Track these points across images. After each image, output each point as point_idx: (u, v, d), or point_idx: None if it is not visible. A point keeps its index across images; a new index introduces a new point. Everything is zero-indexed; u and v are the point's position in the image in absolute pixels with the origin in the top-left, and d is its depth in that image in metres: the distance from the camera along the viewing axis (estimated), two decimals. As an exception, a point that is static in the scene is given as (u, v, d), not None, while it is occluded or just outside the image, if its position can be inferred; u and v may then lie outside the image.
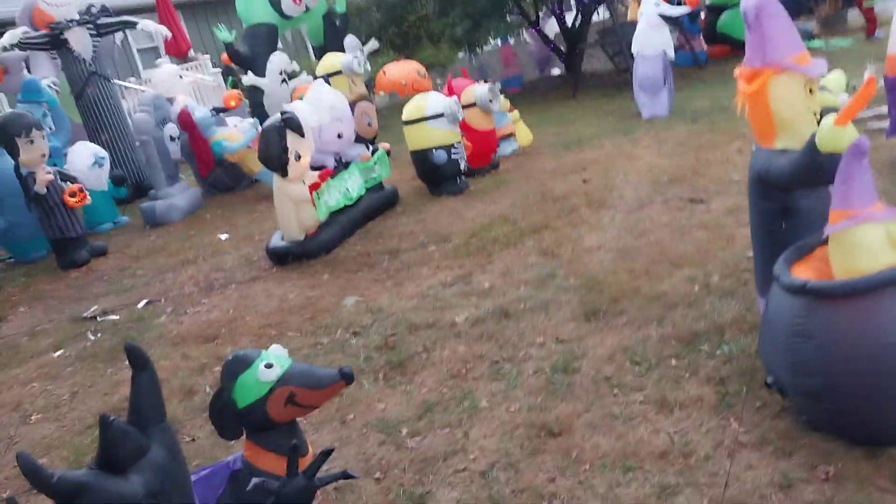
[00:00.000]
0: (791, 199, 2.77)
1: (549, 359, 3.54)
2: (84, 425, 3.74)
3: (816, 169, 2.49)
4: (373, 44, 7.86)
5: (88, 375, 4.36)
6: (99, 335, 4.97)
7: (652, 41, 8.23)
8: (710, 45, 11.85)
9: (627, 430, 2.90)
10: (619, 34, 10.93)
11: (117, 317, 5.25)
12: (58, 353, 4.80)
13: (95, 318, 5.31)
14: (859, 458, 2.46)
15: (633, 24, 8.96)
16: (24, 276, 6.79)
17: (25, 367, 4.66)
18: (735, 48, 11.36)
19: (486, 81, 7.47)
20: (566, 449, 2.85)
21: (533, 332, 3.84)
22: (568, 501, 2.58)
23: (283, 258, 5.69)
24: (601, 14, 13.29)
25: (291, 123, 5.42)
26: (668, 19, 8.39)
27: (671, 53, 8.46)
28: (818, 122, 2.73)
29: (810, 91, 2.75)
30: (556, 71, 14.60)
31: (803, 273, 2.58)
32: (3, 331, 5.41)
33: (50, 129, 7.96)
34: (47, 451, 3.57)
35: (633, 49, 8.51)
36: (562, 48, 13.39)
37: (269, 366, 2.40)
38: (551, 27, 14.06)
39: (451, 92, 7.20)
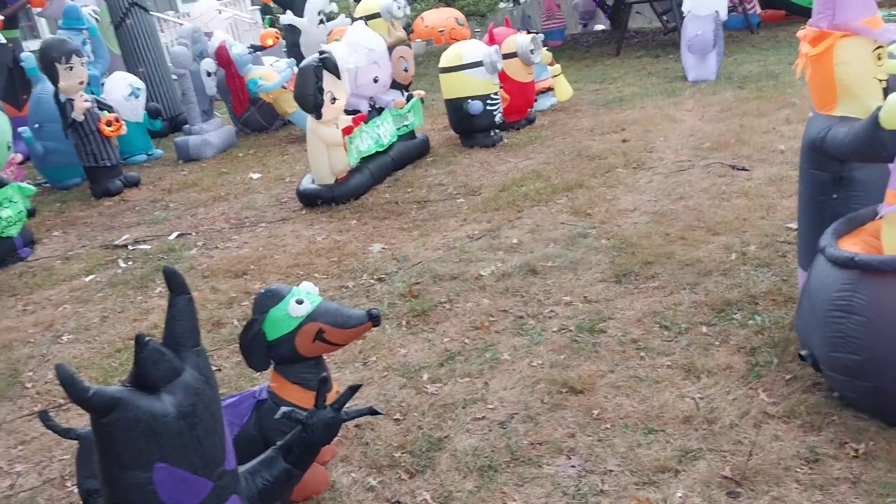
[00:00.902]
0: (846, 169, 2.67)
1: (576, 318, 3.51)
2: (113, 348, 3.81)
3: (877, 145, 2.39)
4: (414, -12, 7.71)
5: (118, 301, 4.42)
6: (130, 263, 5.03)
7: (704, 1, 7.97)
8: (764, 9, 11.46)
9: (652, 393, 2.87)
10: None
11: (148, 247, 5.31)
12: (89, 277, 4.87)
13: (127, 246, 5.37)
14: (892, 439, 2.41)
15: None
16: (59, 201, 6.87)
17: (58, 290, 4.74)
18: (791, 13, 11.00)
19: (528, 32, 7.30)
20: (587, 407, 2.84)
21: (560, 290, 3.81)
22: (587, 457, 2.57)
23: (312, 201, 5.68)
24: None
25: (329, 64, 5.35)
26: (723, -21, 8.11)
27: (724, 14, 8.19)
28: (884, 93, 2.63)
29: (878, 57, 2.63)
30: (600, 26, 14.27)
31: (851, 247, 2.51)
32: (38, 253, 5.49)
33: (89, 56, 7.97)
34: (78, 370, 3.61)
35: (684, 8, 8.25)
36: (608, 2, 13.04)
37: (300, 301, 2.42)
38: (599, -21, 13.72)
39: (491, 40, 7.05)
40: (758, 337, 3.11)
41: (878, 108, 2.37)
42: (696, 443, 2.56)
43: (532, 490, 2.47)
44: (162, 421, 1.55)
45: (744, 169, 5.13)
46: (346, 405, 2.12)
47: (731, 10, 10.07)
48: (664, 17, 11.58)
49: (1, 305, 4.61)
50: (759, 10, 11.38)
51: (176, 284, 1.68)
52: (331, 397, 2.24)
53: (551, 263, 4.12)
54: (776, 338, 3.06)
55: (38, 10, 9.10)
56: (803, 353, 2.67)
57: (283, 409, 2.01)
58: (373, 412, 2.06)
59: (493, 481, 2.52)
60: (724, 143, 5.75)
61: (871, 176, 2.60)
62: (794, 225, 3.48)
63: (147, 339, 1.59)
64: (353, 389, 2.07)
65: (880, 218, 2.42)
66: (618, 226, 4.52)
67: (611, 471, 2.50)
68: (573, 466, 2.55)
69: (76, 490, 2.58)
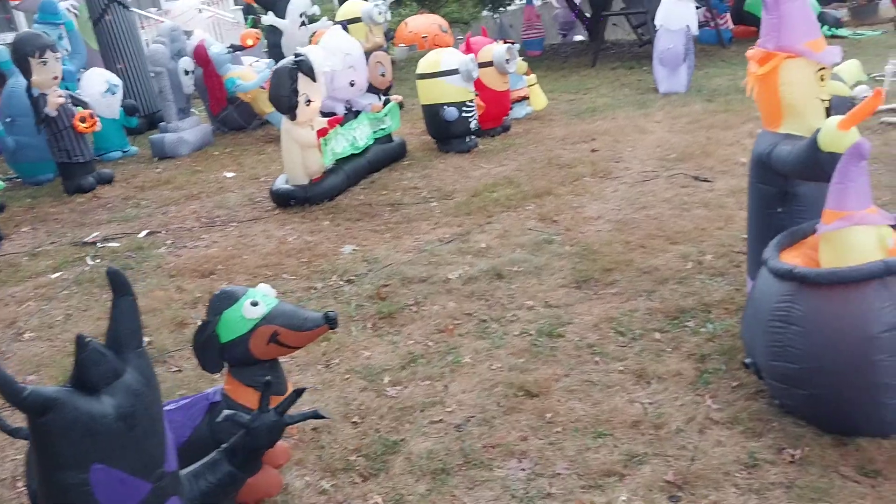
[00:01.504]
0: (790, 185, 2.76)
1: (536, 322, 3.57)
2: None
3: (816, 165, 2.48)
4: (396, -6, 7.77)
5: (84, 299, 4.42)
6: (98, 261, 5.03)
7: (676, 15, 8.09)
8: (736, 25, 11.63)
9: (604, 397, 2.94)
10: (646, 4, 10.73)
11: (118, 244, 5.30)
12: (56, 275, 4.86)
13: (96, 244, 5.37)
14: (827, 445, 2.49)
15: (661, -4, 8.78)
16: (30, 197, 6.84)
17: (23, 286, 4.72)
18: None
19: (505, 42, 7.38)
20: (541, 410, 2.90)
21: (523, 294, 3.87)
22: (537, 460, 2.63)
23: (286, 201, 5.70)
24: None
25: (304, 66, 5.39)
26: (695, -6, 8.24)
27: (695, 29, 8.32)
28: (827, 112, 2.71)
29: (822, 79, 2.72)
30: (579, 37, 14.38)
31: (793, 259, 2.59)
32: (5, 249, 5.47)
33: (66, 51, 7.93)
34: (37, 368, 3.65)
35: (657, 21, 8.37)
36: (587, 14, 13.16)
37: (254, 303, 2.44)
38: (578, -9, 13.82)
39: (468, 49, 7.12)
40: (709, 344, 3.19)
41: (818, 131, 2.45)
42: (642, 447, 2.62)
43: (482, 493, 2.51)
44: (100, 422, 1.56)
45: (706, 180, 5.23)
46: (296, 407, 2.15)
47: (703, 24, 10.21)
48: (639, 30, 11.71)
49: (-36, 301, 4.60)
50: (731, 25, 11.55)
51: (119, 285, 1.70)
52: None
53: (517, 268, 4.18)
54: (726, 345, 3.14)
55: (15, 3, 9.04)
56: (747, 360, 2.75)
57: (226, 412, 2.04)
58: (317, 416, 2.09)
59: (444, 484, 2.57)
60: (690, 155, 5.85)
61: (815, 192, 2.68)
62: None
63: (87, 339, 1.61)
64: (298, 393, 2.10)
65: (819, 235, 2.51)
66: (582, 233, 4.59)
67: (559, 474, 2.55)
68: (523, 469, 2.60)
69: (26, 490, 2.59)
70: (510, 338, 3.47)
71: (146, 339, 3.79)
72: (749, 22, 11.32)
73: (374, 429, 2.91)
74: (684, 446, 2.60)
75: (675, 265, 3.97)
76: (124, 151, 8.22)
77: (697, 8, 8.81)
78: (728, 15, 11.56)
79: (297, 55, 5.47)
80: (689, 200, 4.89)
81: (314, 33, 8.96)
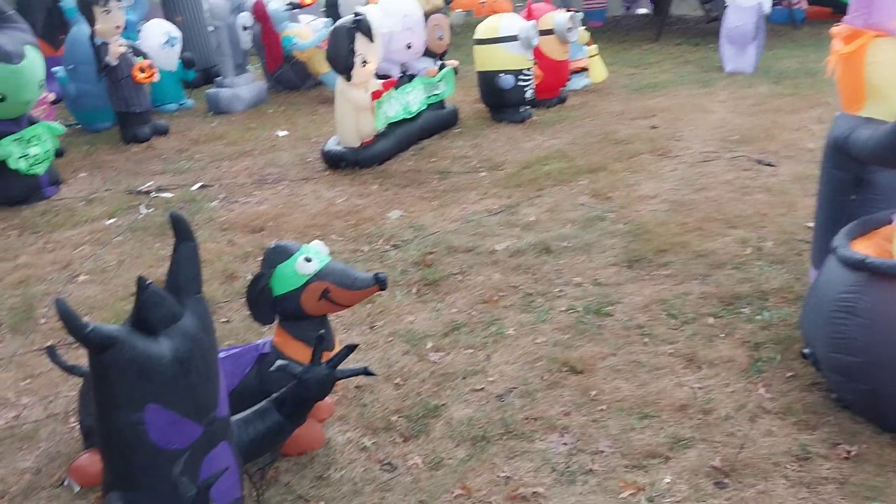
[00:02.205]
0: (866, 171, 2.63)
1: (584, 299, 3.52)
2: (127, 292, 3.87)
3: None
4: (456, -44, 7.63)
5: (136, 246, 4.49)
6: (151, 210, 5.10)
7: (748, -9, 7.80)
8: (810, 5, 11.21)
9: (651, 379, 2.88)
10: (716, -21, 10.41)
11: (171, 195, 5.37)
12: (110, 221, 4.95)
13: (150, 193, 5.44)
14: (884, 444, 2.41)
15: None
16: (88, 144, 6.95)
17: (78, 231, 4.82)
18: (837, 11, 10.73)
19: (568, 10, 7.21)
20: (585, 387, 2.86)
21: (571, 271, 3.81)
22: (579, 436, 2.59)
23: (336, 163, 5.70)
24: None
25: (362, 26, 5.34)
26: (770, -30, 7.92)
27: (767, 7, 8.01)
28: None
29: (913, 61, 2.58)
30: (642, 10, 14.03)
31: (864, 249, 2.48)
32: (63, 193, 5.59)
33: (129, 1, 8.00)
34: (90, 310, 3.72)
35: (727, -4, 8.09)
36: (653, -14, 12.80)
37: (308, 259, 2.46)
38: (646, -37, 13.47)
39: (529, 16, 6.97)
40: (763, 332, 3.10)
41: None
42: (689, 431, 2.57)
43: (522, 463, 2.50)
44: (157, 363, 1.58)
45: (769, 164, 5.07)
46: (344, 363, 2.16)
47: (775, 3, 9.84)
48: (707, 6, 11.36)
49: (22, 242, 4.71)
50: (805, 5, 11.13)
51: (181, 231, 1.70)
52: (331, 356, 2.27)
53: (566, 244, 4.12)
54: (782, 335, 3.05)
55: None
56: (806, 351, 2.66)
57: (280, 362, 2.05)
58: (367, 372, 2.10)
59: (484, 451, 2.56)
60: (753, 137, 5.67)
61: (892, 180, 2.56)
62: (813, 224, 3.45)
63: (148, 282, 1.62)
64: (350, 349, 2.11)
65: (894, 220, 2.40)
66: (636, 211, 4.49)
67: (601, 451, 2.52)
68: (565, 444, 2.57)
69: (78, 426, 2.65)
70: (555, 313, 3.42)
71: (196, 289, 3.85)
72: (824, 3, 10.90)
73: (416, 392, 2.91)
74: (733, 433, 2.54)
75: (733, 250, 3.86)
76: (180, 104, 8.29)
77: (770, -15, 8.46)
78: (803, -6, 11.14)
79: (356, 14, 5.42)
80: (750, 184, 4.75)
81: (372, -6, 8.89)
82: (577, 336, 3.22)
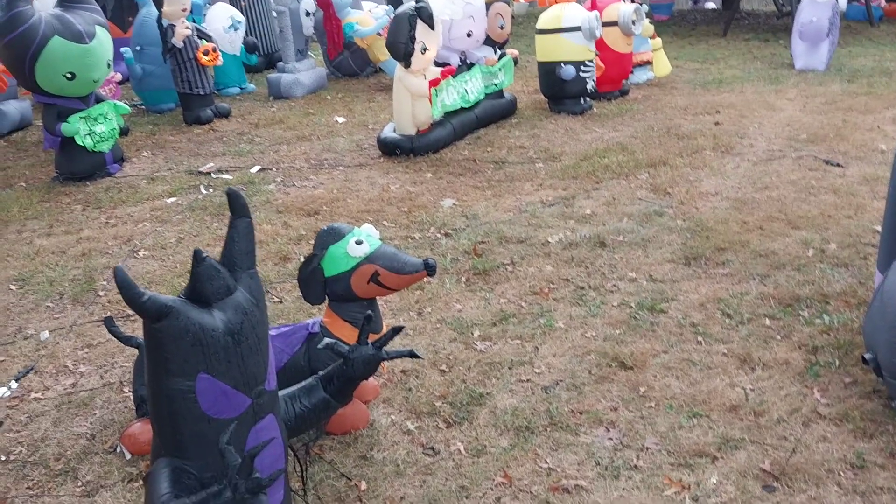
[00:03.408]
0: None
1: (637, 295, 3.45)
2: (184, 268, 3.97)
3: None
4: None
5: (195, 225, 4.59)
6: (210, 190, 5.21)
7: (824, -14, 7.55)
8: (889, 2, 10.77)
9: (702, 378, 2.82)
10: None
11: (230, 177, 5.47)
12: (171, 199, 5.07)
13: (210, 174, 5.55)
14: (946, 456, 2.31)
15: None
16: (152, 124, 7.14)
17: (140, 207, 4.95)
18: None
19: (632, 1, 7.08)
20: (634, 383, 2.81)
21: (626, 265, 3.75)
22: (625, 432, 2.55)
23: (392, 150, 5.72)
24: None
25: (423, 13, 5.34)
26: (847, -35, 7.65)
27: (843, 4, 7.74)
28: None
29: None
30: (710, 4, 13.71)
31: (933, 254, 2.38)
32: (126, 170, 5.74)
33: (196, -15, 8.16)
34: (148, 285, 3.82)
35: (801, -9, 7.84)
36: (722, -20, 12.50)
37: (359, 242, 2.47)
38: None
39: (593, 6, 6.87)
40: (822, 336, 3.00)
41: None
42: (739, 432, 2.50)
43: (565, 455, 2.47)
44: (209, 334, 1.61)
45: (837, 165, 4.89)
46: (388, 345, 2.16)
47: (851, 0, 9.50)
48: (780, 1, 11.03)
49: (86, 216, 4.86)
50: (883, 2, 10.71)
51: (238, 207, 1.73)
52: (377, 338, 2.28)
53: (622, 238, 4.05)
54: (842, 339, 2.95)
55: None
56: (867, 356, 2.56)
57: (327, 340, 2.06)
58: (413, 355, 2.09)
59: (528, 442, 2.54)
60: (822, 137, 5.48)
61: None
62: (880, 227, 3.32)
63: (204, 255, 1.65)
64: (396, 330, 2.11)
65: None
66: (696, 208, 4.39)
67: (647, 448, 2.47)
68: (610, 439, 2.53)
69: (131, 396, 2.73)
70: (608, 308, 3.37)
71: (250, 269, 3.91)
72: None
73: (461, 379, 2.90)
74: (785, 437, 2.47)
75: (795, 251, 3.75)
76: (242, 88, 8.44)
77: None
78: (881, -10, 10.74)
79: (417, 1, 5.42)
80: (816, 185, 4.59)
81: (435, -18, 8.88)
82: (629, 332, 3.17)
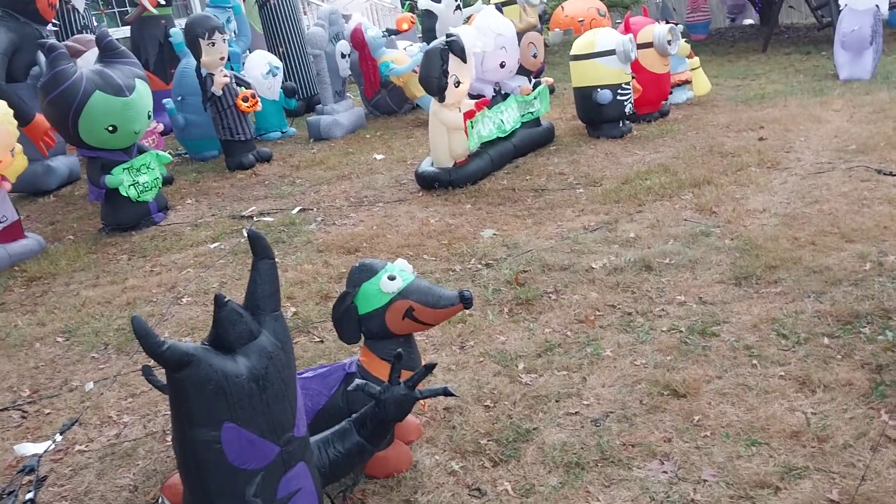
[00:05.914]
0: None
1: (687, 319, 3.32)
2: (225, 313, 3.97)
3: None
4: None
5: (238, 269, 4.61)
6: (252, 234, 5.24)
7: (864, -7, 7.36)
8: (934, 7, 10.47)
9: (760, 403, 2.67)
10: (828, -15, 9.88)
11: (272, 219, 5.51)
12: (214, 245, 5.12)
13: (252, 217, 5.60)
14: None
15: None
16: (196, 172, 7.27)
17: (184, 254, 5.01)
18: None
19: (667, 22, 7.00)
20: (688, 412, 2.68)
21: (674, 289, 3.63)
22: (680, 464, 2.42)
23: (430, 183, 5.70)
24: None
25: (455, 47, 5.34)
26: (888, -29, 7.46)
27: (885, 10, 7.53)
28: None
29: None
30: (748, 21, 13.53)
31: None
32: (171, 218, 5.84)
33: (234, 33, 8.37)
34: (192, 331, 3.83)
35: (842, 1, 7.65)
36: (759, -4, 12.34)
37: (392, 277, 2.42)
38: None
39: (627, 29, 6.81)
40: (887, 354, 2.83)
41: None
42: (802, 460, 2.35)
43: (618, 492, 2.35)
44: (233, 381, 1.57)
45: (890, 174, 4.69)
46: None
47: (893, 6, 9.25)
48: (819, 12, 10.81)
49: (131, 265, 4.93)
50: (928, 7, 10.41)
51: (260, 248, 1.70)
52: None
53: (668, 260, 3.93)
54: (909, 357, 2.77)
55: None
56: (937, 375, 2.40)
57: (357, 381, 2.01)
58: (447, 393, 2.02)
59: (578, 479, 2.43)
60: (872, 147, 5.28)
61: None
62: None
63: (226, 299, 1.62)
64: (429, 368, 2.04)
65: None
66: (744, 226, 4.25)
67: (705, 480, 2.34)
68: (665, 472, 2.41)
69: (173, 445, 2.70)
70: (657, 333, 3.25)
71: (292, 309, 3.89)
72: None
73: (507, 414, 2.81)
74: (853, 464, 2.31)
75: (851, 265, 3.57)
76: (283, 132, 8.56)
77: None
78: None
79: (448, 35, 5.43)
80: (869, 196, 4.40)
81: (469, 17, 8.94)
82: (681, 357, 3.04)
